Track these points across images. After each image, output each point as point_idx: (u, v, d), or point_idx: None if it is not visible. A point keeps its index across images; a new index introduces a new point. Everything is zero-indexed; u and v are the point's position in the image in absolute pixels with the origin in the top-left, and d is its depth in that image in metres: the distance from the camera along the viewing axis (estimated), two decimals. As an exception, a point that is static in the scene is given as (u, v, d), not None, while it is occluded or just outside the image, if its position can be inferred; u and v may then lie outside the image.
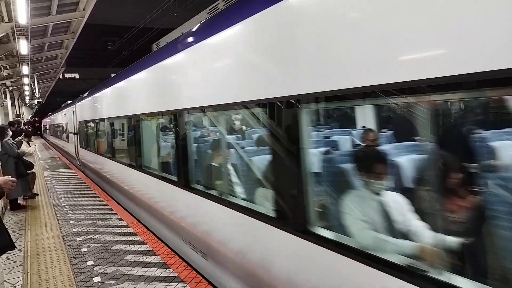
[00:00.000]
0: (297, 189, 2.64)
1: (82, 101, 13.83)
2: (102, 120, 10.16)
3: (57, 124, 26.44)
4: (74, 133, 16.10)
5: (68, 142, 19.05)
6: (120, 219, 7.06)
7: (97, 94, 10.88)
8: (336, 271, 2.41)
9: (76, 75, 47.33)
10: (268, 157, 3.04)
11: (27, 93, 27.67)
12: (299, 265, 2.75)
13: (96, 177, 11.67)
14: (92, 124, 11.95)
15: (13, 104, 26.37)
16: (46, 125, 39.57)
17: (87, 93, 13.50)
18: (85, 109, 13.28)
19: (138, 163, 6.97)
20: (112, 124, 9.14)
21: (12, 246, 3.46)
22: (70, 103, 18.83)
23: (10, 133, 8.75)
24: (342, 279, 2.37)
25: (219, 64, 3.88)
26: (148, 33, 25.65)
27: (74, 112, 15.54)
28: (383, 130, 3.80)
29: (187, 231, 4.89)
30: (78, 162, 15.65)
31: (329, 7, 2.38)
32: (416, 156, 2.71)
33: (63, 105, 25.20)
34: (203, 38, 4.07)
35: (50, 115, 34.34)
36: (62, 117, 22.24)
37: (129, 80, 7.35)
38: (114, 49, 33.66)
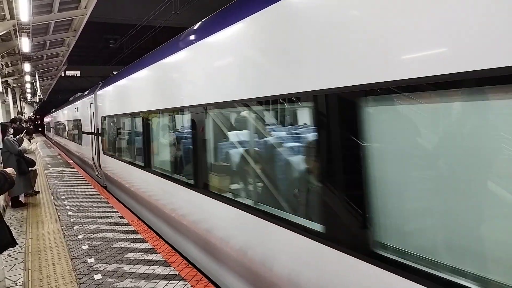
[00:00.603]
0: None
1: (108, 88, 9.78)
2: (158, 112, 6.02)
3: (65, 121, 21.27)
4: (92, 133, 11.84)
5: (81, 145, 14.52)
6: (121, 217, 7.07)
7: (141, 74, 6.83)
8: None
9: (78, 73, 47.41)
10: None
11: (28, 90, 27.71)
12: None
13: (134, 203, 7.72)
14: (130, 121, 7.95)
15: (14, 102, 26.40)
16: (49, 123, 36.14)
17: (115, 75, 9.66)
18: (113, 98, 9.34)
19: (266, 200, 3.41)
20: (186, 120, 5.07)
21: (13, 243, 3.48)
22: (85, 93, 14.48)
23: (12, 130, 8.77)
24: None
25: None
26: (149, 31, 25.67)
27: (93, 105, 11.40)
28: None
29: None
30: (96, 173, 11.73)
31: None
32: None
33: (71, 99, 21.35)
34: None
35: (55, 111, 30.42)
36: (72, 112, 17.49)
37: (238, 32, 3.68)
38: (116, 47, 33.68)
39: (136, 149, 7.55)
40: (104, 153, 10.22)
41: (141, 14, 25.98)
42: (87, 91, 13.99)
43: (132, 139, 7.94)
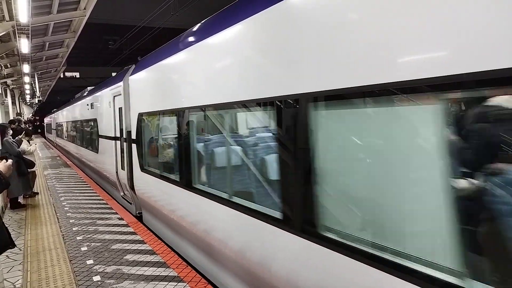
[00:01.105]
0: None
1: (152, 69, 6.26)
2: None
3: (72, 121, 17.47)
4: (116, 138, 8.72)
5: (97, 153, 10.97)
6: (120, 218, 7.06)
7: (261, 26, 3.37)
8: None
9: (77, 74, 47.34)
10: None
11: (27, 91, 27.68)
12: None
13: (216, 267, 4.46)
14: (222, 119, 4.40)
15: (13, 103, 26.40)
16: (50, 124, 32.93)
17: (169, 45, 5.87)
18: (169, 83, 5.59)
19: None
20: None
21: (12, 245, 3.47)
22: (105, 83, 10.65)
23: (11, 131, 8.78)
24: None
25: None
26: (149, 32, 25.68)
27: (120, 98, 8.04)
28: None
29: None
30: (122, 194, 8.70)
31: None
32: None
33: (78, 95, 17.79)
34: None
35: (56, 111, 27.20)
36: (83, 110, 13.71)
37: None
38: (115, 48, 33.66)
39: (238, 175, 4.17)
40: (143, 169, 6.77)
41: (140, 15, 25.97)
42: (109, 79, 10.48)
43: (234, 155, 4.24)
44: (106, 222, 6.86)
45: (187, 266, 4.69)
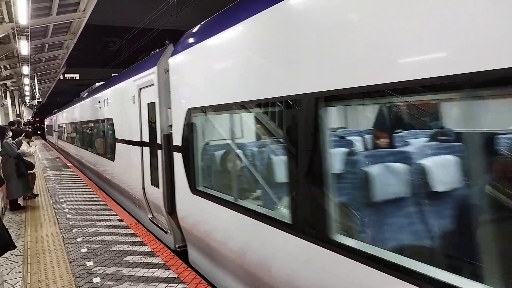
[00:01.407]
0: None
1: (215, 40, 4.00)
2: None
3: (79, 122, 15.13)
4: (144, 144, 6.75)
5: (113, 160, 9.03)
6: (120, 220, 7.06)
7: None
8: None
9: (77, 76, 47.41)
10: None
11: (27, 93, 27.67)
12: None
13: None
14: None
15: (13, 105, 26.38)
16: (51, 125, 31.01)
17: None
18: (257, 61, 3.32)
19: None
20: None
21: (13, 246, 3.48)
22: (127, 71, 8.37)
23: (10, 133, 8.78)
24: None
25: None
26: (148, 33, 25.73)
27: (149, 90, 6.26)
28: None
29: None
30: (150, 217, 6.78)
31: None
32: None
33: (83, 93, 15.57)
34: None
35: (59, 110, 25.06)
36: (94, 109, 11.46)
37: None
38: (115, 49, 33.73)
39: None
40: (195, 190, 4.65)
41: (140, 16, 26.04)
42: (131, 68, 8.15)
43: None
44: (106, 223, 6.86)
45: (187, 268, 4.69)
